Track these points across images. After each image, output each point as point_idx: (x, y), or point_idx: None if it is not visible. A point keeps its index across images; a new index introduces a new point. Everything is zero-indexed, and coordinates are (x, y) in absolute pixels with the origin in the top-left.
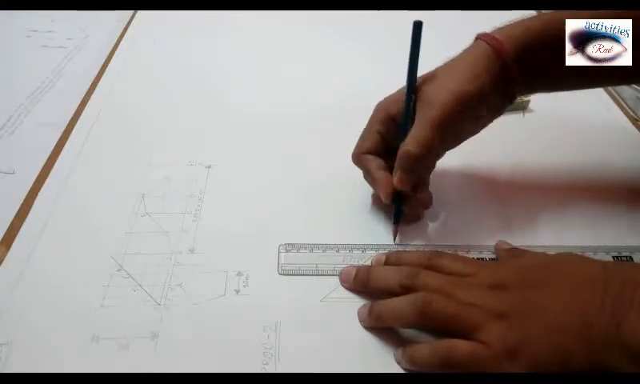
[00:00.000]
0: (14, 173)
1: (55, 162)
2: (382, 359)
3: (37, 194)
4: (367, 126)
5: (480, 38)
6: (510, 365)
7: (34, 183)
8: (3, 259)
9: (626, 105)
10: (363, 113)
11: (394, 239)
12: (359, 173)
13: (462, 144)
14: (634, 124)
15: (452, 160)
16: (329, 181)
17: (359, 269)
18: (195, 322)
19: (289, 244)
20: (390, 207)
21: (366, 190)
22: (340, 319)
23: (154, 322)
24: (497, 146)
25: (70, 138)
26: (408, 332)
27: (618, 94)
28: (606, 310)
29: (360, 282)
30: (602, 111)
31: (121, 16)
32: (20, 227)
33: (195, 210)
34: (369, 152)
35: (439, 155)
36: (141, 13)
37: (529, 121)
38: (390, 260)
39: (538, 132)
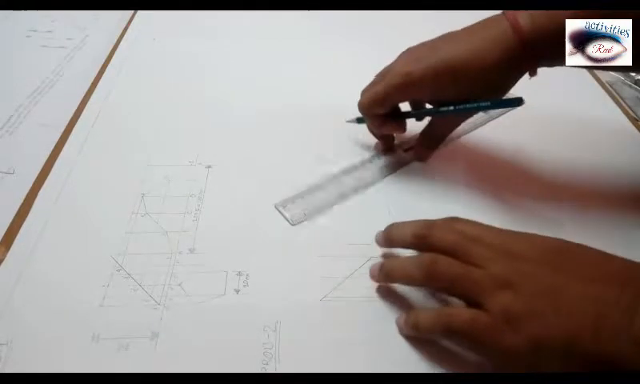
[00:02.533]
0: (13, 173)
1: (55, 162)
2: (382, 359)
3: (37, 194)
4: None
5: (505, 13)
6: (510, 335)
7: (34, 183)
8: (3, 259)
9: (626, 105)
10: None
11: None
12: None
13: (461, 146)
14: (633, 124)
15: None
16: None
17: (386, 227)
18: (195, 322)
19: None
20: None
21: (367, 198)
22: (340, 319)
23: (154, 322)
24: (495, 144)
25: (69, 138)
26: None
27: (618, 94)
28: (621, 304)
29: (385, 237)
30: (601, 111)
31: (121, 16)
32: (20, 227)
33: (195, 209)
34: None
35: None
36: (141, 13)
37: (528, 120)
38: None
39: (537, 131)
